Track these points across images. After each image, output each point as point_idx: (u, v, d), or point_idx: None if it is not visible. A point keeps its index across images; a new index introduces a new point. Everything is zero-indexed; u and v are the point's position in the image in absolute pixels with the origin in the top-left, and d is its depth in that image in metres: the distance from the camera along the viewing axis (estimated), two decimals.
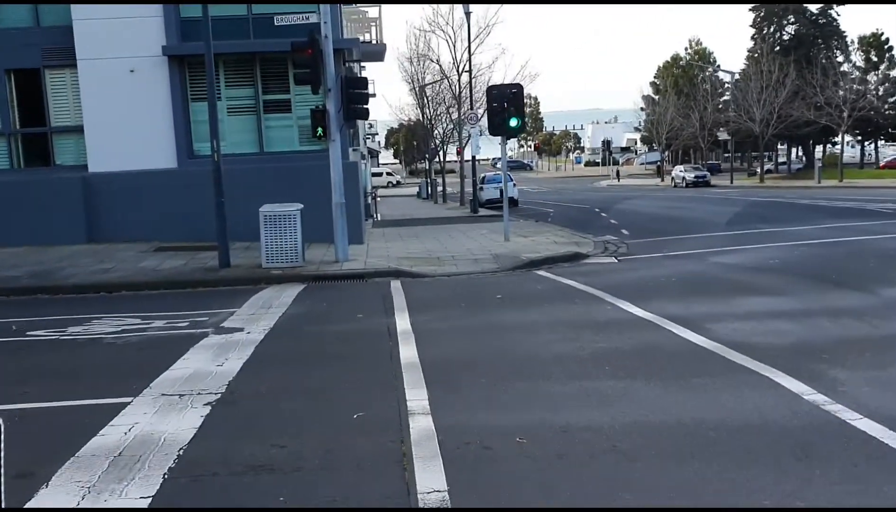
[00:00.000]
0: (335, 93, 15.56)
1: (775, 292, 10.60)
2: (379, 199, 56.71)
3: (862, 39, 75.01)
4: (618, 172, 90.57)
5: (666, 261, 15.23)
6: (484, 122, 40.47)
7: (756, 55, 73.60)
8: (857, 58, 74.75)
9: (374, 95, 68.40)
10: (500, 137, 19.33)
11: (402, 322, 9.38)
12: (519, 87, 18.65)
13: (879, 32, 75.90)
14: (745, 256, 15.14)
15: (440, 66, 39.67)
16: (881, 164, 75.57)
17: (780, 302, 9.83)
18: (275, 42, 18.10)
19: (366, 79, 17.34)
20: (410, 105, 49.42)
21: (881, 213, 22.73)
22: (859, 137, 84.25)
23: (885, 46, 73.26)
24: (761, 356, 6.94)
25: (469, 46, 34.89)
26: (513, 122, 18.49)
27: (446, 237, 21.37)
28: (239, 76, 19.74)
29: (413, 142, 71.50)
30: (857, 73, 70.18)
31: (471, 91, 34.74)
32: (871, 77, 69.69)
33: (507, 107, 18.45)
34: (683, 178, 63.25)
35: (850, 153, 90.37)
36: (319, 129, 15.46)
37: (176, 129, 19.37)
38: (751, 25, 72.78)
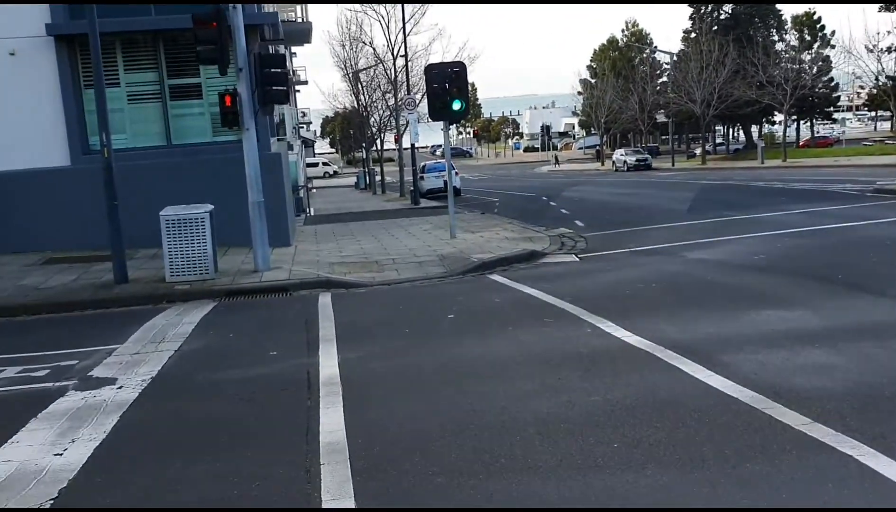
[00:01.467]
0: (247, 73, 13.21)
1: (782, 302, 8.76)
2: (314, 191, 54.06)
3: (795, 19, 75.14)
4: (556, 158, 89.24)
5: (635, 258, 13.37)
6: (423, 107, 38.33)
7: (693, 35, 73.03)
8: (791, 37, 74.92)
9: (305, 82, 65.59)
10: (441, 123, 17.22)
11: (328, 363, 7.22)
12: (461, 65, 16.54)
13: (812, 12, 76.28)
14: (723, 250, 13.37)
15: (374, 49, 37.37)
16: (801, 142, 75.58)
17: (796, 316, 7.98)
18: (180, 18, 15.56)
19: (283, 56, 14.96)
20: (344, 92, 46.96)
21: (847, 196, 21.37)
22: (794, 117, 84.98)
23: (818, 25, 73.54)
24: (822, 413, 5.00)
25: (404, 27, 32.66)
26: (456, 105, 16.40)
27: (386, 235, 19.19)
28: (140, 58, 17.15)
29: (349, 130, 68.78)
30: (793, 52, 70.01)
31: (407, 75, 32.56)
32: (805, 56, 69.42)
33: (449, 88, 16.35)
34: (625, 162, 62.28)
35: (777, 132, 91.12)
36: (229, 116, 13.10)
37: (67, 122, 16.70)
38: (688, 4, 72.00)
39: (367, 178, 51.44)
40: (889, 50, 79.19)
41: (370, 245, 17.06)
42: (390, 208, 30.73)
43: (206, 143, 17.20)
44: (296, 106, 64.34)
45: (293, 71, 61.86)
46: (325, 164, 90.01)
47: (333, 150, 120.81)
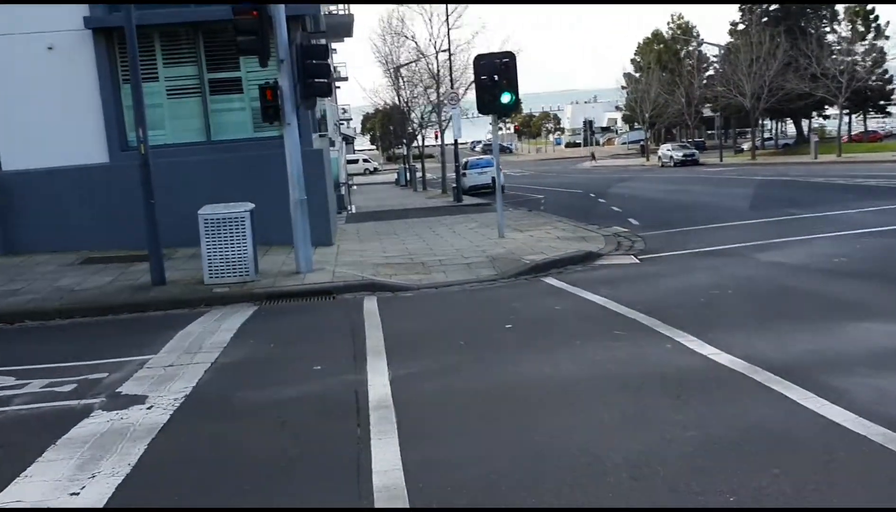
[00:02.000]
0: (289, 65, 12.56)
1: (881, 312, 7.83)
2: (355, 187, 53.63)
3: (847, 9, 72.70)
4: (593, 154, 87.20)
5: (700, 260, 12.44)
6: (465, 102, 37.55)
7: (743, 27, 71.06)
8: (843, 28, 72.50)
9: (346, 79, 65.26)
10: (482, 117, 16.39)
11: (377, 381, 6.49)
12: (511, 56, 15.72)
13: (865, 1, 73.71)
14: (797, 252, 12.38)
15: (416, 43, 36.62)
16: (851, 137, 72.67)
17: None
18: (220, 9, 15.02)
19: (325, 46, 14.32)
20: (385, 87, 46.30)
21: None
22: (847, 111, 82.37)
23: (871, 16, 71.01)
24: None
25: (447, 21, 31.90)
26: (505, 98, 15.59)
27: (430, 234, 18.47)
28: (179, 51, 16.64)
29: (390, 126, 68.33)
30: (845, 43, 67.68)
31: (450, 69, 31.79)
32: (858, 47, 67.06)
33: (498, 80, 15.55)
34: (671, 157, 60.76)
35: (834, 127, 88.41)
36: (270, 111, 12.46)
37: (106, 117, 16.25)
38: None
39: (408, 174, 50.82)
40: None
41: (415, 245, 16.35)
42: (433, 205, 30.02)
43: (247, 139, 16.62)
44: (336, 102, 64.10)
45: (334, 67, 61.62)
46: (365, 160, 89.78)
47: (374, 147, 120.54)
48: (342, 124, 72.88)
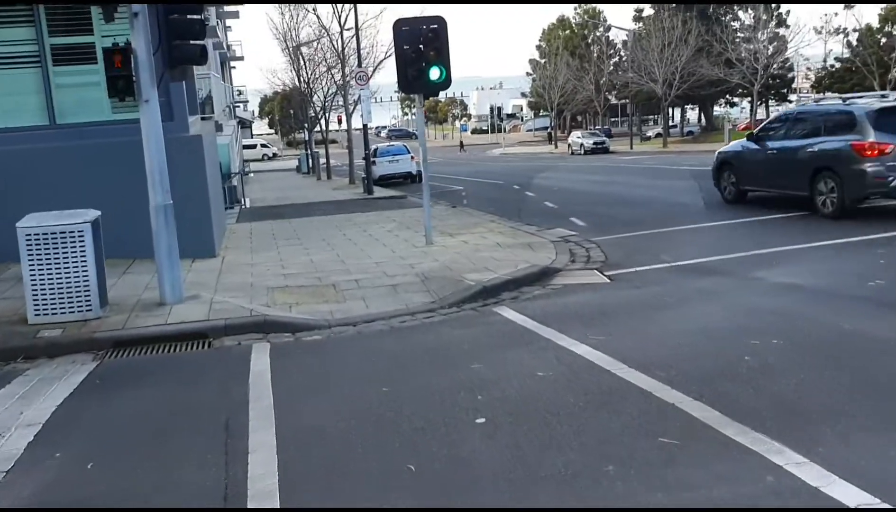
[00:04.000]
0: (145, 20, 9.15)
1: None
2: (252, 175, 49.41)
3: None
4: (461, 143, 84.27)
5: (687, 280, 9.79)
6: (375, 81, 34.23)
7: (651, 12, 70.15)
8: (747, 17, 72.57)
9: (241, 58, 60.71)
10: (396, 101, 13.29)
11: None
12: (440, 21, 12.66)
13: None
14: (806, 270, 9.88)
15: (318, 16, 32.97)
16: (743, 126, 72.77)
17: None
18: None
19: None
20: (284, 68, 42.44)
21: None
22: (750, 98, 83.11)
23: (773, 5, 71.23)
24: None
25: None
26: (434, 73, 12.56)
27: (340, 238, 15.26)
28: (10, 10, 12.83)
29: (290, 110, 64.03)
30: (748, 32, 67.61)
31: (358, 46, 28.44)
32: (760, 35, 67.11)
33: (425, 51, 12.51)
34: (581, 144, 59.23)
35: (736, 114, 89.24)
36: (120, 82, 9.02)
37: None
38: None
39: (311, 161, 47.09)
40: (838, 32, 78.09)
41: (322, 255, 13.13)
42: (341, 199, 26.71)
43: (104, 123, 12.99)
44: (231, 83, 59.42)
45: (228, 45, 56.89)
46: (263, 146, 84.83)
47: (272, 132, 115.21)
48: (238, 107, 68.16)
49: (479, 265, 11.19)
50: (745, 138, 17.15)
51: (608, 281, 10.27)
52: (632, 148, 59.41)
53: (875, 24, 71.75)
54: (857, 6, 57.53)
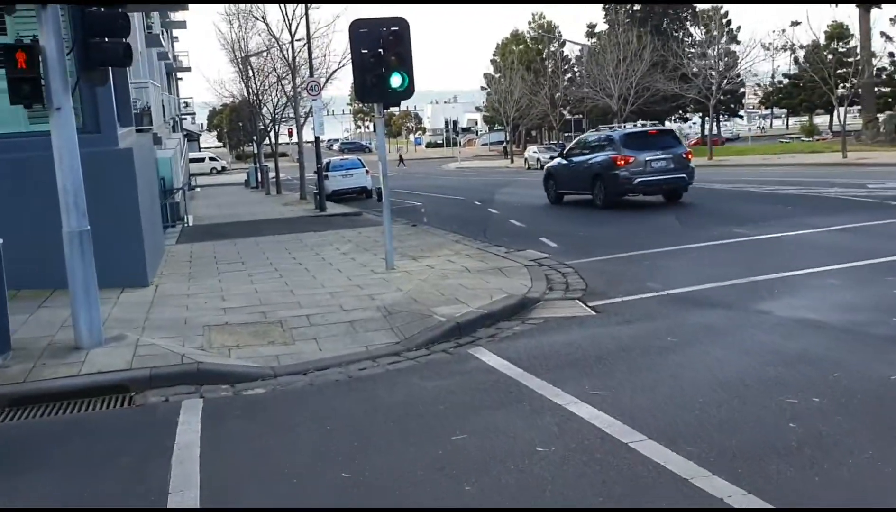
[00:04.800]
0: (55, 14, 7.71)
1: None
2: (198, 190, 47.50)
3: (702, 12, 73.19)
4: (401, 156, 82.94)
5: (685, 314, 8.67)
6: (328, 93, 32.85)
7: (605, 28, 70.11)
8: (698, 32, 72.94)
9: (188, 69, 58.69)
10: (349, 113, 12.04)
11: None
12: (402, 23, 11.42)
13: (719, 6, 74.68)
14: (814, 300, 8.86)
15: (267, 25, 31.51)
16: (695, 141, 72.78)
17: None
18: None
19: None
20: (233, 79, 40.73)
21: (865, 204, 17.44)
22: (701, 114, 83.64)
23: (724, 21, 71.73)
24: None
25: None
26: (395, 80, 11.32)
27: (290, 262, 13.86)
28: None
29: (238, 122, 62.08)
30: (700, 48, 67.91)
31: (309, 55, 27.08)
32: (711, 51, 67.55)
33: (385, 56, 11.25)
34: (538, 159, 58.56)
35: (686, 129, 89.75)
36: (24, 87, 7.56)
37: None
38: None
39: (260, 175, 45.40)
40: (786, 48, 79.21)
41: (269, 284, 11.72)
42: (291, 216, 25.22)
43: (19, 135, 11.45)
44: (177, 94, 57.33)
45: (174, 56, 54.89)
46: (212, 159, 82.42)
47: (221, 145, 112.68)
48: (185, 119, 65.99)
49: (449, 295, 9.93)
50: (559, 157, 23.30)
51: (594, 313, 9.10)
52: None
53: (822, 40, 72.86)
54: (804, 24, 57.89)
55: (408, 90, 11.41)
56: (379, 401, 6.41)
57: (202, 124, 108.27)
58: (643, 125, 22.33)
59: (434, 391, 6.52)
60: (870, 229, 13.56)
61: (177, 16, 45.93)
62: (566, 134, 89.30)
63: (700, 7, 70.45)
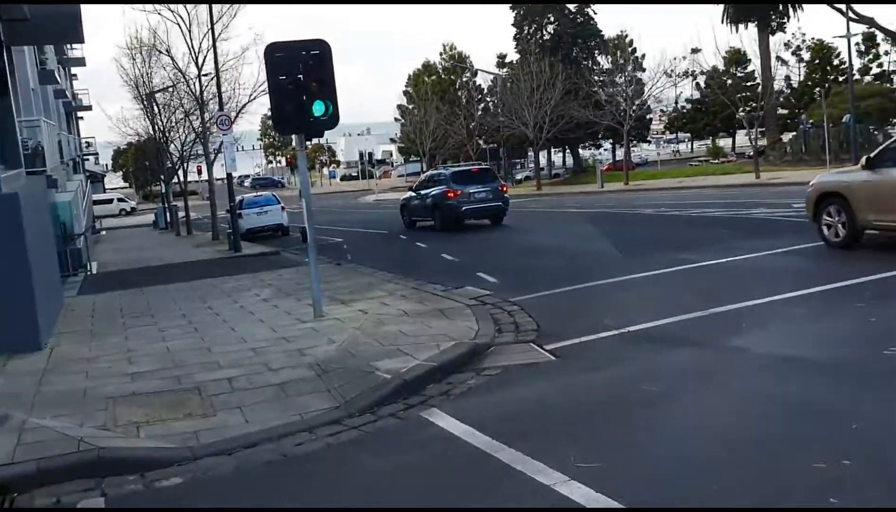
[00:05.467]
0: None
1: None
2: (104, 233, 44.93)
3: (609, 40, 74.75)
4: (298, 191, 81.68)
5: (656, 357, 7.86)
6: (238, 129, 31.37)
7: (513, 59, 70.66)
8: (605, 60, 74.35)
9: (89, 108, 56.04)
10: (294, 137, 10.90)
11: None
12: (323, 46, 10.38)
13: (625, 34, 76.49)
14: (795, 333, 8.21)
15: (172, 58, 29.93)
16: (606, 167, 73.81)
17: None
18: None
19: None
20: (137, 117, 38.56)
21: (792, 227, 17.27)
22: (611, 140, 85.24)
23: (630, 49, 73.40)
24: None
25: (212, 28, 25.78)
26: (318, 109, 10.26)
27: (206, 313, 12.50)
28: None
29: (145, 161, 59.44)
30: (611, 75, 69.24)
31: (218, 88, 25.68)
32: (619, 78, 68.98)
33: (305, 82, 10.20)
34: None
35: (592, 157, 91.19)
36: None
37: None
38: (512, 24, 69.51)
39: (168, 215, 43.26)
40: (687, 74, 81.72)
41: (183, 340, 10.38)
42: (204, 258, 23.64)
43: None
44: (78, 134, 54.48)
45: (73, 93, 52.20)
46: (120, 200, 78.74)
47: (126, 185, 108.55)
48: (87, 160, 62.91)
49: (389, 345, 8.86)
50: (410, 190, 28.45)
51: (554, 359, 8.19)
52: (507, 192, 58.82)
53: (721, 66, 75.44)
54: (704, 51, 59.77)
55: (332, 119, 10.37)
56: (320, 492, 5.29)
57: (106, 165, 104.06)
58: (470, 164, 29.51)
59: (390, 474, 5.44)
60: (813, 252, 13.18)
61: (74, 52, 43.65)
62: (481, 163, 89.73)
63: (608, 35, 71.83)
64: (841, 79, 76.54)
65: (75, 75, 55.00)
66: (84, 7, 17.04)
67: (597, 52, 69.67)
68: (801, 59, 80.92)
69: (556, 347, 8.55)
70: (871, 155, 12.47)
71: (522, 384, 7.38)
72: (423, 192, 26.27)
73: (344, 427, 6.59)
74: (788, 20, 60.71)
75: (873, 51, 73.37)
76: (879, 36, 63.10)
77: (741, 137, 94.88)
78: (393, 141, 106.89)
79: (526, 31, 68.20)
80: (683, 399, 6.40)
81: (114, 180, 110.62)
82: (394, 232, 26.19)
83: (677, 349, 8.04)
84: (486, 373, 7.92)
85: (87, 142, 65.61)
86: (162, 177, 42.55)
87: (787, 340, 7.88)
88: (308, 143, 12.48)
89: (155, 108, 36.10)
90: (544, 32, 68.30)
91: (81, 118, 60.51)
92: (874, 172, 12.11)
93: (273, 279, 16.13)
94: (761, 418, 5.70)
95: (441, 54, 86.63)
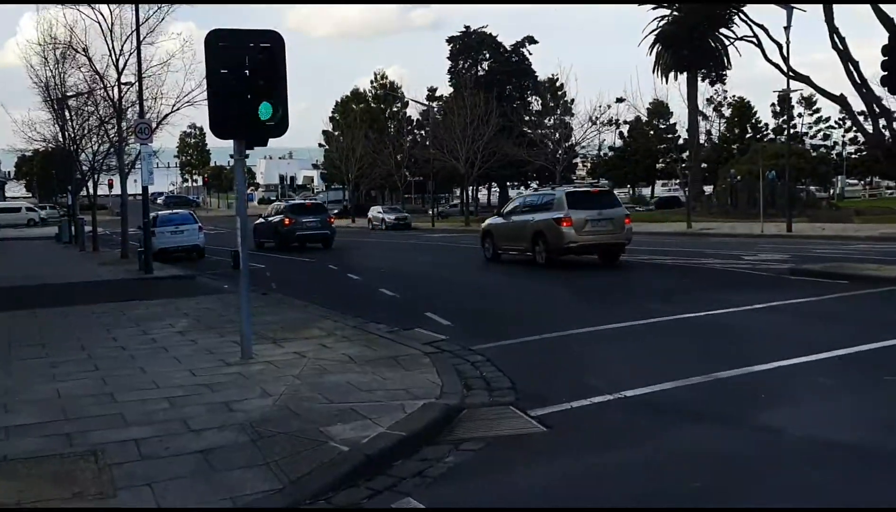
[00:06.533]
0: None
1: None
2: None
3: (541, 83, 75.09)
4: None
5: (675, 435, 6.49)
6: (156, 143, 29.04)
7: (446, 93, 70.00)
8: (535, 101, 74.59)
9: None
10: (234, 143, 9.13)
11: None
12: (275, 38, 8.76)
13: (555, 78, 77.06)
14: (827, 409, 6.98)
15: (90, 58, 27.42)
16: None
17: None
18: None
19: None
20: (46, 122, 35.47)
21: (763, 279, 16.41)
22: (537, 181, 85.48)
23: (560, 92, 73.88)
24: None
25: (137, 29, 23.68)
26: (265, 112, 8.58)
27: (111, 347, 10.49)
28: None
29: (52, 170, 55.58)
30: (539, 116, 69.29)
31: (140, 94, 23.51)
32: (548, 121, 69.04)
33: (252, 79, 8.54)
34: (383, 220, 57.01)
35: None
36: None
37: None
38: (447, 57, 68.95)
39: (73, 229, 40.11)
40: (611, 123, 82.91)
41: (80, 382, 8.41)
42: (111, 278, 21.32)
43: None
44: None
45: None
46: (30, 209, 73.31)
47: (30, 195, 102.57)
48: None
49: (340, 402, 7.21)
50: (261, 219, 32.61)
51: (545, 430, 6.71)
52: (433, 225, 57.73)
53: (644, 116, 76.79)
54: (630, 100, 60.33)
55: (281, 124, 8.72)
56: None
57: (8, 172, 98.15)
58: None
59: None
60: (800, 308, 12.20)
61: None
62: (405, 195, 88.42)
63: (540, 77, 72.05)
64: (758, 136, 79.18)
65: None
66: None
67: (528, 92, 69.71)
68: (721, 115, 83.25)
69: (542, 414, 7.07)
70: (503, 210, 22.97)
71: (515, 467, 5.86)
72: (269, 219, 32.78)
73: None
74: (725, 72, 61.95)
75: (786, 114, 76.16)
76: (794, 98, 65.19)
77: (659, 188, 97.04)
78: (315, 166, 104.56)
79: (461, 65, 67.66)
80: (746, 505, 4.98)
81: (15, 189, 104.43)
82: (320, 261, 24.45)
83: (694, 426, 6.66)
84: (466, 447, 6.35)
85: None
86: (69, 187, 39.46)
87: (826, 420, 6.63)
88: (229, 161, 10.70)
89: (67, 113, 33.32)
90: (479, 68, 67.91)
91: None
92: (504, 219, 21.72)
93: (190, 308, 14.17)
94: None
95: (372, 82, 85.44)
